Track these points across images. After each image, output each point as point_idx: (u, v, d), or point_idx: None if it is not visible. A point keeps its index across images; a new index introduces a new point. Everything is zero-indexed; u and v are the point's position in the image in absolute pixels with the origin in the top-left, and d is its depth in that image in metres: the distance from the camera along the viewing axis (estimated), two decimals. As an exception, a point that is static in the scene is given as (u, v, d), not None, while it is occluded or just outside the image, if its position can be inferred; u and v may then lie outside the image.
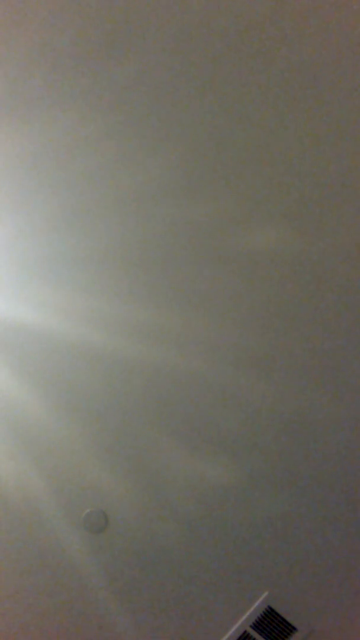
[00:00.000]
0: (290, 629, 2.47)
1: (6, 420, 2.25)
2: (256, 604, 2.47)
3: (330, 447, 2.25)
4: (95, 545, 2.41)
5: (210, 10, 1.68)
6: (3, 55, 1.74)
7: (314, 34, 1.70)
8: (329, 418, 2.21)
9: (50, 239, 2.00)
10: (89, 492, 2.35)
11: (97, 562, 2.43)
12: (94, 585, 2.46)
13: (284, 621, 2.47)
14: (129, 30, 1.71)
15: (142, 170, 1.89)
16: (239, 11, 1.68)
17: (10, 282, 2.06)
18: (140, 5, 1.68)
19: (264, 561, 2.42)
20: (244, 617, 2.48)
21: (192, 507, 2.36)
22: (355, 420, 2.21)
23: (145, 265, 2.03)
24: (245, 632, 2.48)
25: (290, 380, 2.17)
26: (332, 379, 2.16)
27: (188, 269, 2.03)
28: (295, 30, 1.70)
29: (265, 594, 2.46)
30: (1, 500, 2.36)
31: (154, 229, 1.98)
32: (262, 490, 2.32)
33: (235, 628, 2.49)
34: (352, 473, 2.28)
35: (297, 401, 2.20)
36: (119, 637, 2.53)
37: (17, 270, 2.05)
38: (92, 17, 1.70)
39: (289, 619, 2.47)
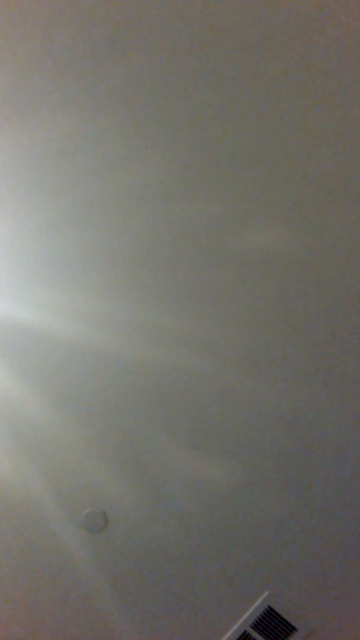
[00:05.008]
0: (290, 629, 2.47)
1: (6, 420, 2.25)
2: (256, 604, 2.47)
3: (331, 447, 2.25)
4: (95, 545, 2.41)
5: (212, 9, 1.68)
6: (4, 54, 1.74)
7: (315, 33, 1.70)
8: (330, 418, 2.21)
9: (50, 238, 2.00)
10: (89, 492, 2.35)
11: (97, 562, 2.43)
12: (94, 585, 2.46)
13: (284, 621, 2.47)
14: (130, 29, 1.71)
15: (142, 170, 1.90)
16: (241, 10, 1.68)
17: (10, 282, 2.06)
18: (141, 3, 1.68)
19: (264, 561, 2.42)
20: (244, 617, 2.48)
21: (192, 507, 2.36)
22: (356, 420, 2.21)
23: (146, 265, 2.03)
24: (245, 632, 2.48)
25: (291, 380, 2.17)
26: (333, 379, 2.16)
27: (188, 268, 2.03)
28: (297, 29, 1.70)
29: (265, 594, 2.46)
30: (1, 500, 2.36)
31: (154, 228, 1.98)
32: (262, 490, 2.32)
33: (235, 628, 2.49)
34: (353, 473, 2.28)
35: (297, 401, 2.20)
36: (119, 637, 2.53)
37: (17, 270, 2.05)
38: (93, 16, 1.70)
39: (289, 619, 2.47)
